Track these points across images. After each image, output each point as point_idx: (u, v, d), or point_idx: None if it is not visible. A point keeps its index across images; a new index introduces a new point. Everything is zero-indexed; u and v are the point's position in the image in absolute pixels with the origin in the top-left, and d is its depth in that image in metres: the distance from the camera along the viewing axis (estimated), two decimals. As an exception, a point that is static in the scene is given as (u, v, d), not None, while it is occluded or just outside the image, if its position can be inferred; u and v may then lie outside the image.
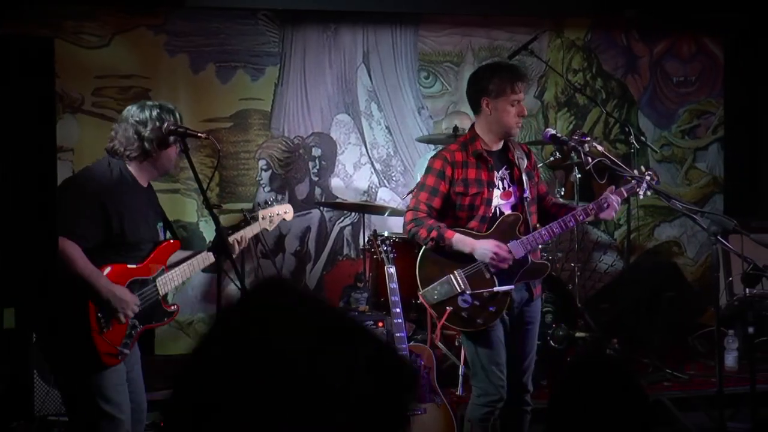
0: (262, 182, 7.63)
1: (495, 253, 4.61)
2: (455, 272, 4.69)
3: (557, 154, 7.15)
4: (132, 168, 4.31)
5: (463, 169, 4.72)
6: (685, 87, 8.67)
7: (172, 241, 4.53)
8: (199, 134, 4.35)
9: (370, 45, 7.93)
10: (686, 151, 8.70)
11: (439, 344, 6.40)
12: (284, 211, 5.11)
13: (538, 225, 4.80)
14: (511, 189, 4.79)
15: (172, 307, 4.54)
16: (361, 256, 7.10)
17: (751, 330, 5.39)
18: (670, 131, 8.64)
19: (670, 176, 8.63)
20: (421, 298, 4.76)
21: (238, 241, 4.66)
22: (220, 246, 4.19)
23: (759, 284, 5.23)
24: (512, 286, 4.70)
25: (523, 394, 4.86)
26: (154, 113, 4.27)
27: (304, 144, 7.72)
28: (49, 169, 3.14)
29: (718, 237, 4.59)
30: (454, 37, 8.12)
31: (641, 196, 4.83)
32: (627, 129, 7.26)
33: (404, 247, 6.51)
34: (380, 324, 6.27)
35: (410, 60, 8.04)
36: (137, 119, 4.25)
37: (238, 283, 4.23)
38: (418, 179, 6.39)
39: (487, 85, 4.73)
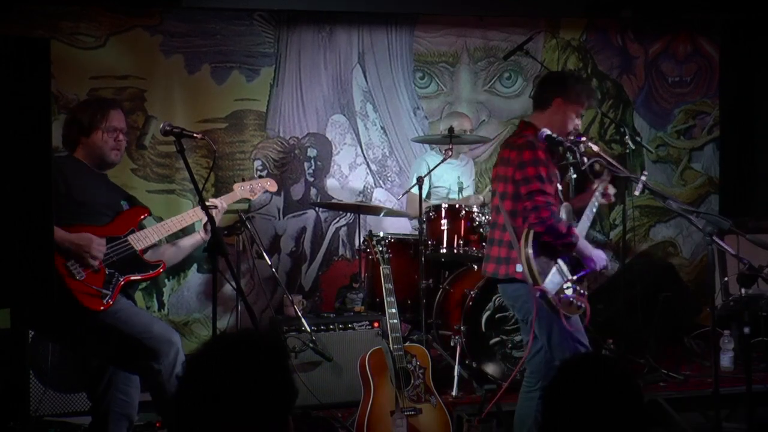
0: (257, 183, 7.63)
1: (603, 262, 4.78)
2: (559, 261, 4.68)
3: (553, 154, 7.18)
4: (79, 155, 4.62)
5: (548, 166, 4.71)
6: (680, 87, 8.69)
7: (139, 207, 4.75)
8: (194, 135, 4.36)
9: (366, 45, 7.93)
10: (682, 151, 8.72)
11: (435, 345, 6.42)
12: (267, 183, 5.28)
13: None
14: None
15: (157, 262, 4.64)
16: (357, 257, 7.11)
17: (746, 330, 5.39)
18: (665, 131, 8.66)
19: (665, 176, 8.65)
20: (544, 290, 4.56)
21: (215, 206, 4.83)
22: (215, 246, 4.18)
23: (755, 284, 5.22)
24: (589, 269, 4.76)
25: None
26: (82, 108, 4.74)
27: (300, 144, 7.73)
28: (44, 170, 3.14)
29: (714, 237, 4.59)
30: (449, 38, 8.13)
31: (636, 193, 4.83)
32: (622, 129, 7.28)
33: (399, 248, 6.52)
34: (376, 324, 6.28)
35: (405, 60, 8.05)
36: (72, 116, 4.71)
37: (233, 283, 4.22)
38: (414, 180, 6.41)
39: (571, 88, 4.83)
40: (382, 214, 7.08)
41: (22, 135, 3.07)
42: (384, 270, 5.59)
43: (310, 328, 5.92)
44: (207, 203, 4.56)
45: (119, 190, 4.83)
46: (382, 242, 5.79)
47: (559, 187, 4.82)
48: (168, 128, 4.24)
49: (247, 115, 7.61)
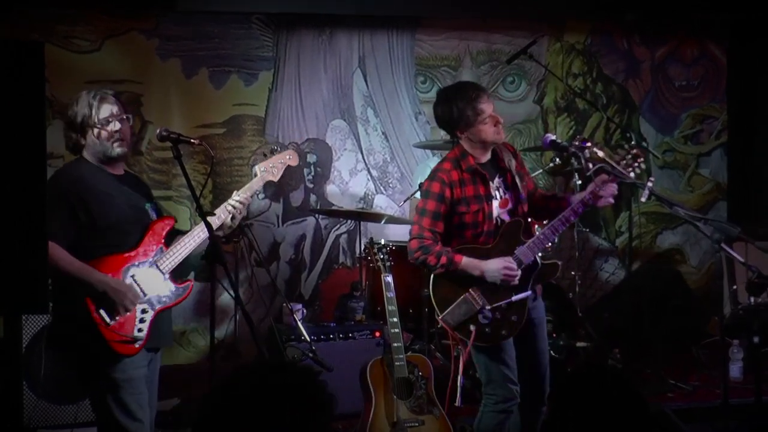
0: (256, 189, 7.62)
1: (505, 272, 4.63)
2: (471, 290, 4.68)
3: (557, 160, 7.16)
4: (87, 156, 4.34)
5: (461, 188, 4.71)
6: (687, 91, 8.68)
7: (164, 217, 4.48)
8: (191, 140, 4.34)
9: (366, 49, 7.94)
10: (689, 156, 8.71)
11: (438, 355, 6.41)
12: (287, 157, 4.90)
13: (536, 225, 4.80)
14: (507, 196, 4.80)
15: (185, 284, 4.45)
16: (358, 265, 7.09)
17: (756, 340, 5.39)
18: (672, 137, 8.65)
19: (672, 182, 8.64)
20: (441, 322, 4.73)
21: (241, 202, 4.58)
22: (213, 255, 4.17)
23: (764, 293, 5.22)
24: (529, 292, 4.71)
25: (541, 395, 4.85)
26: (72, 106, 4.35)
27: (299, 150, 7.72)
28: (38, 176, 3.14)
29: (722, 245, 4.58)
30: (451, 41, 8.13)
31: (643, 200, 4.82)
32: (628, 134, 7.27)
33: (401, 256, 6.49)
34: (377, 334, 6.27)
35: (407, 64, 8.05)
36: (66, 120, 4.36)
37: (231, 292, 4.19)
38: (416, 186, 6.40)
39: (451, 116, 4.74)
40: (383, 221, 7.07)
41: (15, 141, 3.06)
42: (385, 278, 5.58)
43: (310, 337, 5.90)
44: (233, 202, 4.51)
45: (140, 187, 4.55)
46: (384, 250, 5.78)
47: (499, 200, 4.77)
48: (165, 133, 4.22)
49: (245, 120, 7.62)
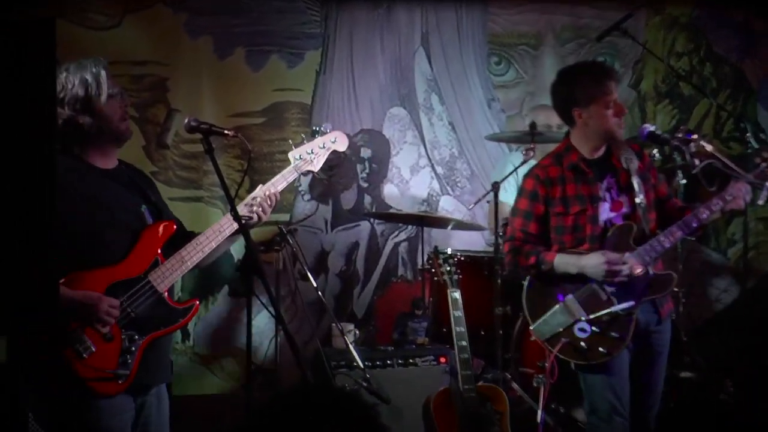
0: (300, 189, 7.65)
1: (608, 265, 4.63)
2: (567, 298, 4.71)
3: (657, 155, 7.10)
4: (76, 152, 4.18)
5: (560, 186, 4.78)
6: (818, 73, 8.54)
7: (160, 222, 4.29)
8: (225, 132, 4.32)
9: (430, 25, 7.93)
10: (818, 152, 8.57)
11: (515, 385, 6.37)
12: (332, 140, 4.66)
13: (658, 232, 4.79)
14: (621, 198, 4.81)
15: (188, 304, 4.26)
16: (420, 278, 7.08)
17: None
18: (797, 127, 8.53)
19: (796, 182, 8.50)
20: (533, 334, 4.79)
21: (266, 196, 4.40)
22: (250, 265, 4.16)
23: None
24: (633, 303, 4.70)
25: None
26: (66, 78, 4.14)
27: (351, 143, 7.72)
28: (47, 176, 3.16)
29: None
30: (530, 15, 8.09)
31: (761, 202, 4.78)
32: (743, 125, 7.17)
33: (471, 268, 6.49)
34: (442, 360, 6.25)
35: (478, 43, 8.03)
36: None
37: (271, 309, 4.15)
38: (489, 186, 6.38)
39: (573, 92, 4.83)
40: (450, 227, 7.05)
41: (22, 132, 3.09)
42: (452, 294, 5.57)
43: (364, 363, 5.90)
44: (251, 197, 4.38)
45: (137, 183, 4.38)
46: (450, 261, 5.77)
47: (610, 202, 4.80)
48: (194, 124, 4.21)
49: (288, 108, 7.64)
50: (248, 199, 4.37)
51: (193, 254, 4.24)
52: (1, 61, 3.04)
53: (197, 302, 4.30)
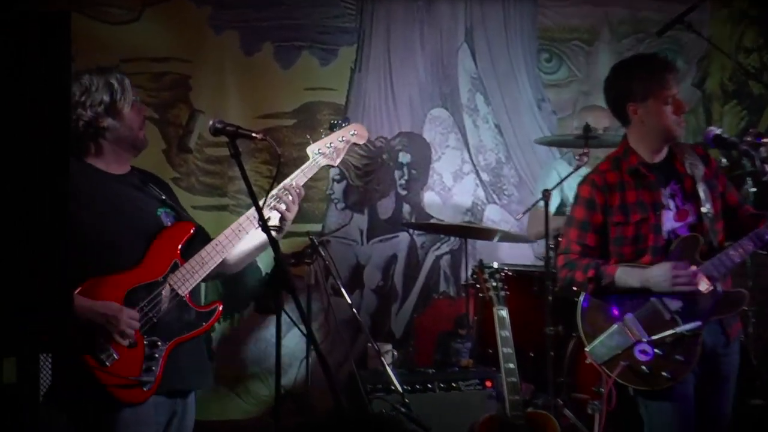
0: (333, 197, 7.67)
1: (675, 277, 4.60)
2: (626, 317, 4.68)
3: (723, 160, 7.06)
4: (91, 160, 4.34)
5: (619, 193, 4.75)
6: None
7: (178, 223, 4.40)
8: (253, 134, 4.34)
9: (475, 19, 7.93)
10: None
11: (567, 412, 6.35)
12: (350, 132, 4.79)
13: (726, 245, 4.76)
14: (686, 206, 4.78)
15: (211, 307, 4.36)
16: (463, 294, 7.07)
17: None
18: None
19: None
20: (588, 357, 4.76)
21: (289, 189, 4.41)
22: (279, 280, 4.17)
23: None
24: (699, 323, 4.66)
25: None
26: (90, 80, 4.29)
27: (389, 147, 7.74)
28: (60, 181, 3.18)
29: None
30: (584, 7, 8.09)
31: None
32: (820, 126, 7.14)
33: (520, 283, 6.47)
34: (488, 384, 6.24)
35: (527, 38, 8.02)
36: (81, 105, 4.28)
37: (302, 328, 4.18)
38: (540, 194, 6.37)
39: (629, 86, 4.80)
40: (496, 239, 7.04)
41: (34, 131, 3.11)
42: (499, 312, 5.56)
43: (402, 387, 5.90)
44: (272, 193, 4.37)
45: (152, 188, 4.50)
46: (497, 275, 5.76)
47: (674, 210, 4.77)
48: (219, 126, 4.23)
49: (320, 109, 7.66)
50: (269, 198, 4.37)
51: (214, 255, 4.32)
52: (13, 57, 3.06)
53: (220, 305, 4.37)
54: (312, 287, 6.54)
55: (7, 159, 3.09)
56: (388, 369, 5.93)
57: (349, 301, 5.96)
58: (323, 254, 6.02)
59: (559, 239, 6.30)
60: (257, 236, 4.42)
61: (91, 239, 4.13)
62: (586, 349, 4.77)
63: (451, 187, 7.88)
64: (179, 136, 7.35)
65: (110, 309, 4.07)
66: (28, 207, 3.09)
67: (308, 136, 4.67)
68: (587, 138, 6.56)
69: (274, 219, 4.37)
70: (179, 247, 4.31)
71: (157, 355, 4.16)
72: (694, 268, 4.63)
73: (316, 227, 7.45)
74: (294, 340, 7.07)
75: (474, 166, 7.93)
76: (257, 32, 7.56)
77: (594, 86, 8.00)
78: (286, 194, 4.41)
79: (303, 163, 4.36)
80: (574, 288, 4.85)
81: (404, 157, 7.81)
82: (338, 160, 4.71)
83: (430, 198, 7.84)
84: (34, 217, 3.09)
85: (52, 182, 3.13)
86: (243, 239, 4.37)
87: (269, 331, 7.36)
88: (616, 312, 4.73)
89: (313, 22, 7.65)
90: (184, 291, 4.25)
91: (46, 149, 3.12)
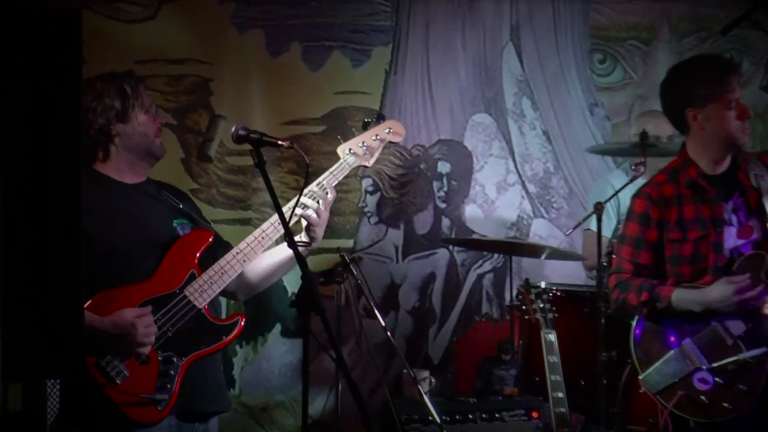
0: (366, 210, 7.68)
1: (738, 292, 4.59)
2: (684, 343, 4.68)
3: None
4: (103, 168, 4.43)
5: (677, 207, 4.74)
6: None
7: (196, 230, 4.47)
8: (279, 142, 4.35)
9: (521, 16, 7.94)
10: None
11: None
12: (386, 130, 4.77)
13: None
14: (751, 222, 4.77)
15: (233, 319, 4.40)
16: (508, 317, 7.07)
17: None
18: None
19: None
20: (643, 385, 4.75)
21: (317, 195, 4.43)
22: (307, 300, 4.18)
23: None
24: (765, 349, 4.65)
25: None
26: (102, 87, 4.44)
27: (427, 156, 7.75)
28: (72, 190, 3.21)
29: None
30: (642, 3, 8.09)
31: None
32: None
33: (570, 305, 6.47)
34: (534, 414, 6.23)
35: (578, 37, 8.03)
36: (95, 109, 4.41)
37: (332, 353, 4.18)
38: (591, 207, 6.36)
39: (688, 90, 4.80)
40: (543, 256, 7.03)
41: (43, 144, 3.14)
42: (547, 336, 5.56)
43: (441, 417, 5.90)
44: (302, 201, 4.38)
45: (168, 198, 4.57)
46: (544, 296, 5.76)
47: (737, 226, 4.76)
48: (242, 133, 4.24)
49: (352, 115, 7.66)
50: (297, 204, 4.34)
51: (234, 264, 4.35)
52: (22, 57, 3.09)
53: (242, 318, 4.40)
54: (342, 308, 6.55)
55: (15, 167, 3.12)
56: (425, 397, 5.92)
57: (383, 324, 5.97)
58: (355, 272, 6.03)
59: (613, 258, 6.31)
60: (282, 251, 4.47)
61: (101, 250, 4.20)
62: (640, 377, 4.76)
63: (494, 200, 7.89)
64: (199, 144, 7.37)
65: (123, 320, 4.10)
66: (38, 222, 3.12)
67: (339, 137, 4.68)
68: (644, 146, 6.54)
69: (301, 233, 4.39)
70: (197, 256, 4.36)
71: (172, 372, 4.18)
72: (760, 287, 4.62)
73: (348, 243, 7.47)
74: (323, 366, 7.08)
75: (520, 176, 7.93)
76: (284, 31, 7.58)
77: (651, 89, 7.97)
78: (313, 197, 4.43)
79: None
80: (627, 311, 4.85)
81: (443, 167, 7.81)
82: (372, 160, 4.72)
83: (471, 211, 7.84)
84: (44, 233, 3.12)
85: (65, 189, 3.16)
86: (267, 252, 4.41)
87: (296, 356, 7.38)
88: (673, 337, 4.72)
89: (345, 20, 7.67)
90: (201, 303, 4.29)
91: (57, 150, 3.15)
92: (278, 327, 7.48)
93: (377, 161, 5.50)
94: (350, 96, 7.69)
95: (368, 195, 7.66)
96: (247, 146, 4.19)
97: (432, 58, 7.82)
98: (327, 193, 4.48)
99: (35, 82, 3.10)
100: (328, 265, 6.35)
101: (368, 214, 7.69)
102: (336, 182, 4.57)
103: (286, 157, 7.26)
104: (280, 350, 7.50)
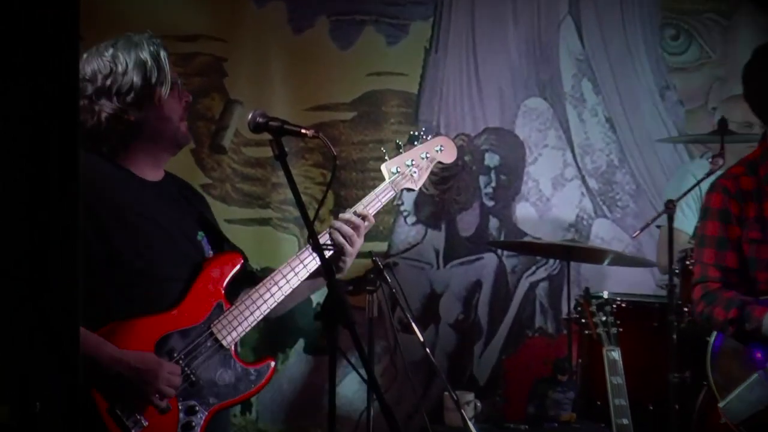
0: (403, 208, 7.69)
1: None
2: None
3: None
4: (120, 159, 4.22)
5: (756, 204, 4.72)
6: None
7: (224, 254, 4.33)
8: (303, 131, 4.34)
9: (582, -14, 7.96)
10: None
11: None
12: (436, 148, 4.72)
13: None
14: None
15: (263, 363, 4.26)
16: (565, 331, 7.08)
17: None
18: None
19: None
20: (723, 414, 4.73)
21: (353, 222, 4.33)
22: (334, 313, 4.17)
23: None
24: None
25: None
26: (115, 58, 4.25)
27: (473, 147, 7.76)
28: (69, 186, 3.23)
29: None
30: (723, -28, 8.09)
31: None
32: None
33: (636, 318, 6.47)
34: (595, 443, 6.25)
35: (647, 10, 8.03)
36: (87, 77, 4.20)
37: (362, 373, 4.17)
38: (662, 206, 6.34)
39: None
40: (606, 262, 7.04)
41: (37, 128, 3.16)
42: (610, 354, 5.56)
43: (487, 447, 5.93)
44: (337, 224, 4.33)
45: (190, 207, 4.42)
46: (607, 308, 5.76)
47: None
48: (261, 120, 4.23)
49: (387, 99, 7.69)
50: (331, 228, 4.32)
51: (268, 298, 4.24)
52: (9, 36, 3.11)
53: (273, 362, 4.30)
54: (375, 321, 6.57)
55: (7, 166, 3.15)
56: (470, 424, 5.92)
57: (422, 339, 5.98)
58: (389, 280, 6.04)
59: (687, 263, 6.29)
60: (313, 265, 4.33)
61: (124, 262, 4.05)
62: (720, 405, 4.73)
63: (549, 197, 7.89)
64: (212, 133, 7.39)
65: (146, 362, 3.97)
66: (28, 221, 3.14)
67: (383, 149, 4.64)
68: (723, 135, 6.51)
69: (330, 250, 4.29)
70: (224, 285, 4.23)
71: (194, 424, 4.07)
72: None
73: (381, 246, 7.49)
74: (352, 387, 7.12)
75: (579, 170, 7.93)
76: (309, 3, 7.61)
77: (732, 70, 7.95)
78: (352, 224, 4.35)
79: (364, 166, 4.37)
80: (712, 328, 4.82)
81: (491, 160, 7.82)
82: (420, 183, 4.68)
83: (523, 210, 7.85)
84: (36, 224, 3.15)
85: (60, 190, 3.18)
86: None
87: (321, 375, 7.40)
88: (759, 356, 4.69)
89: (380, -9, 7.71)
90: (229, 342, 4.17)
91: (51, 148, 3.18)
92: (301, 343, 7.50)
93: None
94: (384, 78, 7.70)
95: (404, 191, 7.65)
96: (266, 136, 4.17)
97: (478, 34, 7.83)
98: (364, 220, 4.39)
99: (26, 62, 3.12)
100: (359, 272, 6.36)
101: (405, 214, 7.70)
102: (381, 205, 4.52)
103: (310, 148, 7.28)
104: (303, 369, 7.52)
